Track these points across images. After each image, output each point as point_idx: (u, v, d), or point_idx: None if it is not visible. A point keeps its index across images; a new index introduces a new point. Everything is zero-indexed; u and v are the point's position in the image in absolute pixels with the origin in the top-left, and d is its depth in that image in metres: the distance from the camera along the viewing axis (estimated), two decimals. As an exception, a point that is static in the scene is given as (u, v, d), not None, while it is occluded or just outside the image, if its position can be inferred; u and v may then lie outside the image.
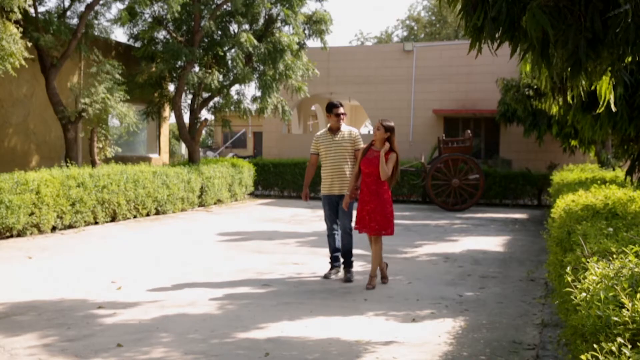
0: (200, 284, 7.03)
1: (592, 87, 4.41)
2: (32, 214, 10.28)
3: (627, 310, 2.32)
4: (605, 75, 3.88)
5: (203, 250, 9.44)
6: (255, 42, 15.58)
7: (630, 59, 3.80)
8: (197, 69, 16.78)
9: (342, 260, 7.46)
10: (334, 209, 7.42)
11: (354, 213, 7.14)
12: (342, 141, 7.39)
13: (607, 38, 3.50)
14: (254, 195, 19.81)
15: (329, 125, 7.55)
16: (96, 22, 14.73)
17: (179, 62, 16.14)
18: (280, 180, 19.71)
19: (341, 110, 7.43)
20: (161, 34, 16.59)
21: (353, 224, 7.19)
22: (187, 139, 17.03)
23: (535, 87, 13.82)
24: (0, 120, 14.43)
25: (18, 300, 6.14)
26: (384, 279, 7.20)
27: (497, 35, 3.88)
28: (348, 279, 7.22)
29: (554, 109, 7.68)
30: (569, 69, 3.69)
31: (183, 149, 29.54)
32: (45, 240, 10.00)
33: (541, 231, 7.62)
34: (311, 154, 7.67)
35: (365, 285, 6.90)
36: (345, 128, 7.48)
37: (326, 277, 7.38)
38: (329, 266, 7.66)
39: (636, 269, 2.76)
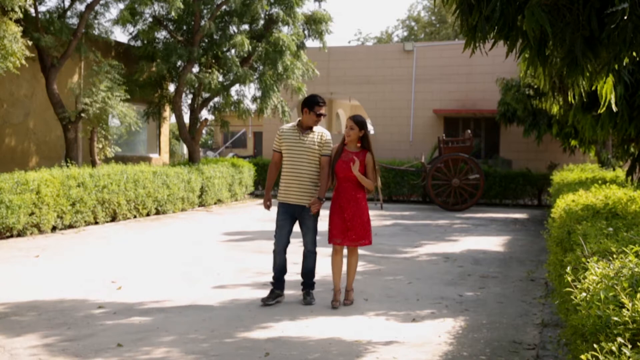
0: (200, 284, 7.03)
1: (593, 87, 4.41)
2: (32, 213, 10.28)
3: (627, 310, 2.32)
4: (604, 74, 3.88)
5: (203, 250, 9.44)
6: (248, 45, 15.52)
7: (627, 59, 3.80)
8: (197, 69, 16.79)
9: (301, 281, 6.33)
10: (290, 221, 6.20)
11: (319, 224, 6.28)
12: (312, 143, 6.16)
13: (603, 36, 3.50)
14: (254, 195, 19.81)
15: (299, 120, 6.31)
16: (96, 22, 14.75)
17: (179, 62, 16.15)
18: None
19: (323, 110, 6.23)
20: (161, 34, 16.61)
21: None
22: (187, 138, 17.03)
23: (535, 86, 13.83)
24: (1, 120, 14.44)
25: (18, 300, 6.14)
26: (347, 300, 6.17)
27: (491, 35, 3.88)
28: (309, 302, 6.13)
29: (555, 109, 7.69)
30: (566, 68, 3.70)
31: (183, 149, 29.54)
32: (45, 240, 10.00)
33: (541, 231, 7.63)
34: (274, 151, 6.37)
35: (343, 301, 6.09)
36: (317, 129, 6.27)
37: (265, 303, 6.05)
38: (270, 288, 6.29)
39: (636, 269, 2.76)
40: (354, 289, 6.34)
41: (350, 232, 6.00)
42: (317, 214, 6.20)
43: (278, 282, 6.22)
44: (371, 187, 6.11)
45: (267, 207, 6.41)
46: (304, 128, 6.23)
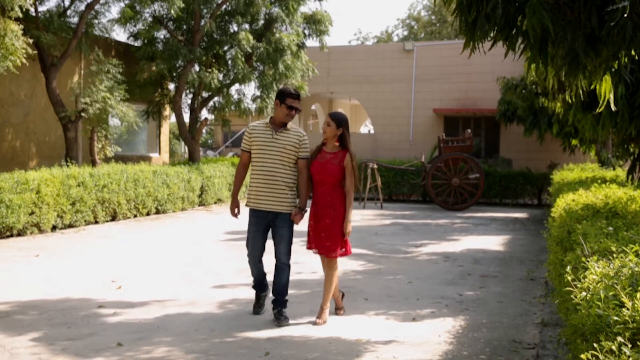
0: (200, 284, 7.03)
1: (592, 87, 4.41)
2: (32, 213, 10.28)
3: (627, 309, 2.32)
4: (601, 72, 3.88)
5: (203, 250, 9.44)
6: (253, 41, 15.58)
7: (626, 58, 3.80)
8: (197, 68, 16.79)
9: (272, 299, 5.62)
10: (263, 229, 5.56)
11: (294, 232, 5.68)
12: (287, 143, 5.48)
13: (603, 34, 3.50)
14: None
15: (270, 117, 5.67)
16: (96, 21, 14.75)
17: (179, 62, 16.15)
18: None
19: (296, 102, 5.54)
20: (161, 33, 16.61)
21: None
22: (187, 138, 17.04)
23: (540, 84, 13.81)
24: (1, 120, 14.44)
25: (19, 299, 6.14)
26: (339, 310, 5.79)
27: (491, 34, 3.88)
28: (283, 323, 5.39)
29: (558, 107, 7.67)
30: (567, 66, 3.70)
31: (183, 149, 29.53)
32: (45, 240, 10.00)
33: (541, 230, 7.63)
34: (242, 151, 5.71)
35: (315, 320, 5.46)
36: (293, 128, 5.60)
37: (256, 313, 5.72)
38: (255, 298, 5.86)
39: (636, 268, 2.76)
40: (341, 298, 5.83)
41: (329, 242, 5.43)
42: (292, 222, 5.55)
43: (261, 286, 5.77)
44: (352, 191, 5.46)
45: (235, 214, 5.74)
46: (277, 125, 5.54)
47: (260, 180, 5.49)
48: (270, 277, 5.75)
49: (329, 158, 5.43)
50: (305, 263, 8.30)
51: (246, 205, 5.62)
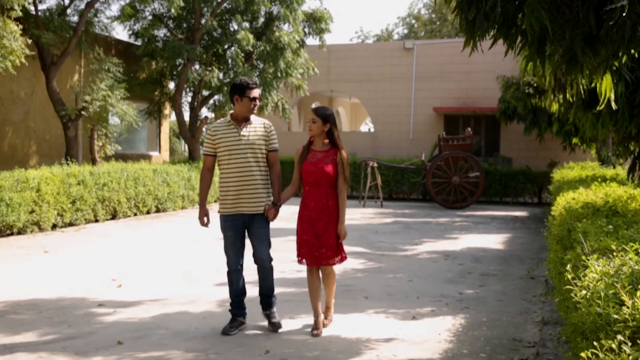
0: (200, 282, 7.03)
1: (592, 85, 4.40)
2: (32, 211, 10.28)
3: (627, 307, 2.32)
4: (602, 72, 3.87)
5: (203, 249, 9.44)
6: (252, 40, 15.58)
7: (625, 57, 3.79)
8: (197, 66, 16.79)
9: (260, 300, 5.35)
10: (241, 235, 5.17)
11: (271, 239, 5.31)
12: (256, 137, 5.14)
13: (601, 33, 3.50)
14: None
15: (230, 113, 5.26)
16: (96, 19, 14.75)
17: (180, 60, 16.15)
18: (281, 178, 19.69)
19: (256, 92, 5.17)
20: (162, 32, 16.61)
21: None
22: (188, 136, 17.04)
23: (535, 84, 13.82)
24: (1, 119, 14.44)
25: (18, 298, 6.14)
26: (327, 321, 5.30)
27: (491, 33, 3.88)
28: (277, 326, 5.16)
29: (554, 107, 7.67)
30: (565, 65, 3.69)
31: (183, 147, 29.54)
32: (45, 238, 10.01)
33: (541, 229, 7.62)
34: (205, 155, 5.26)
35: (312, 331, 5.07)
36: (257, 120, 5.24)
37: (225, 333, 5.05)
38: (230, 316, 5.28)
39: (636, 267, 2.76)
40: (333, 304, 5.40)
41: (324, 249, 5.00)
42: (269, 222, 5.21)
43: (239, 307, 5.22)
44: (344, 191, 5.10)
45: (205, 223, 5.25)
46: (240, 121, 5.17)
47: (233, 183, 5.08)
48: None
49: (320, 157, 5.04)
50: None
51: (219, 212, 5.18)
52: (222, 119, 5.33)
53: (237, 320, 5.18)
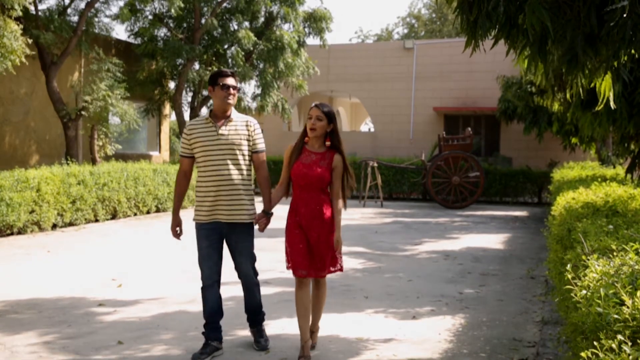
0: (200, 282, 7.01)
1: (592, 85, 4.40)
2: (32, 211, 10.28)
3: (627, 307, 2.32)
4: (602, 72, 3.88)
5: (203, 248, 9.44)
6: (254, 38, 15.59)
7: (626, 57, 3.79)
8: (197, 66, 16.79)
9: (247, 317, 4.87)
10: (218, 245, 4.58)
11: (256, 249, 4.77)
12: (235, 136, 4.54)
13: (602, 33, 3.50)
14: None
15: (210, 110, 4.68)
16: (96, 19, 14.76)
17: (180, 60, 16.16)
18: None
19: (231, 80, 4.56)
20: (162, 31, 16.62)
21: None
22: (188, 136, 17.01)
23: (537, 83, 13.82)
24: (1, 118, 14.44)
25: (18, 297, 6.14)
26: (313, 341, 4.67)
27: (493, 33, 3.88)
28: (264, 346, 4.67)
29: (555, 106, 7.68)
30: (566, 65, 3.69)
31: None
32: (45, 238, 10.01)
33: (541, 229, 7.63)
34: (181, 157, 4.67)
35: (298, 359, 4.40)
36: (238, 116, 4.64)
37: (195, 359, 4.37)
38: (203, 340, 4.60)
39: (636, 267, 2.76)
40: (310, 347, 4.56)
41: (317, 259, 4.42)
42: (252, 233, 4.68)
43: (213, 329, 4.58)
44: (338, 211, 4.46)
45: (178, 235, 4.69)
46: (219, 118, 4.58)
47: (210, 189, 4.49)
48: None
49: (315, 159, 4.42)
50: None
51: (195, 220, 4.59)
52: (201, 116, 4.81)
53: (210, 345, 4.50)
